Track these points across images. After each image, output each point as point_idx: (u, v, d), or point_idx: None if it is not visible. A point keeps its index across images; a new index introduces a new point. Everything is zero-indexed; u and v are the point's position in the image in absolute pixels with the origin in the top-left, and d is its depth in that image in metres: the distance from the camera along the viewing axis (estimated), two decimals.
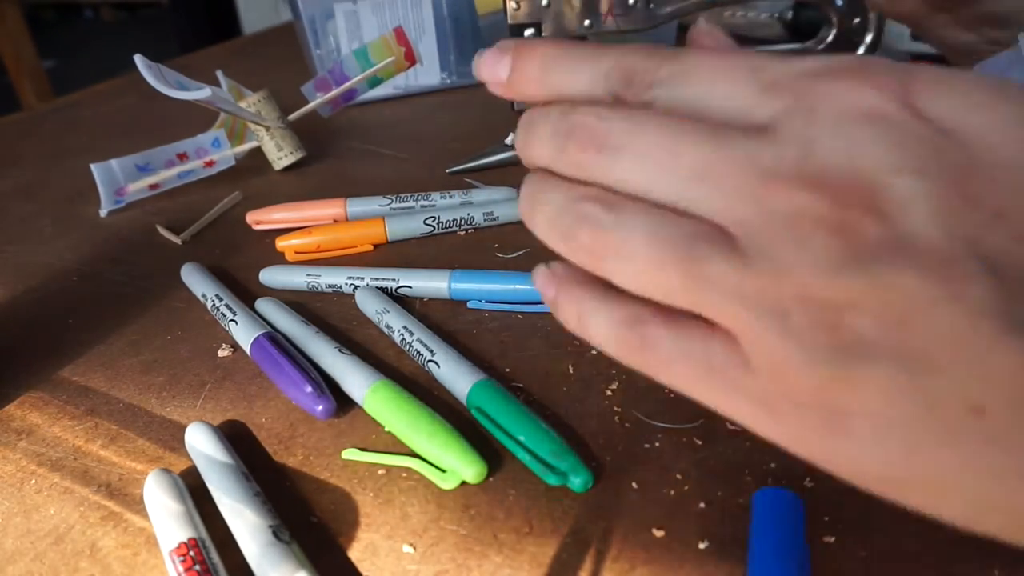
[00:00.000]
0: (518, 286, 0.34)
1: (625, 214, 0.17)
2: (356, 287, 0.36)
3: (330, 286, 0.37)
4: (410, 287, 0.35)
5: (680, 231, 0.16)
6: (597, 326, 0.19)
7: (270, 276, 0.38)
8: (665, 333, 0.18)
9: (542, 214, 0.19)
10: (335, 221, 0.44)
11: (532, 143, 0.19)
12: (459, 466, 0.25)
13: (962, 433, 0.14)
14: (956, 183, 0.14)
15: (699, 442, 0.26)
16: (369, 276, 0.36)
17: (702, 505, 0.24)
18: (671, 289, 0.17)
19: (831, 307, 0.15)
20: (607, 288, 0.19)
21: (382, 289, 0.36)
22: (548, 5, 0.56)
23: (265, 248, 0.42)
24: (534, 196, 0.19)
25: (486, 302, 0.34)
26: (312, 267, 0.38)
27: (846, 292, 0.14)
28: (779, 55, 0.17)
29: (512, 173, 0.48)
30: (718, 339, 0.17)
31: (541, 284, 0.21)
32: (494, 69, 0.20)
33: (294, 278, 0.37)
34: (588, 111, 0.18)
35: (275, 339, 0.32)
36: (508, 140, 0.38)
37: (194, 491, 0.25)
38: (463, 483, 0.25)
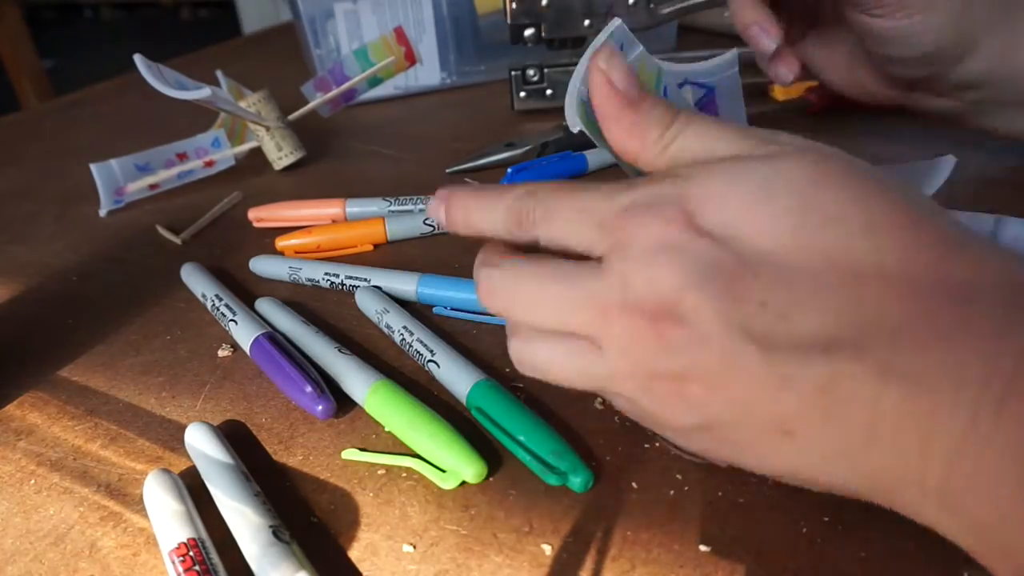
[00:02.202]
0: None
1: (534, 342, 0.24)
2: (332, 283, 0.37)
3: (309, 279, 0.37)
4: (379, 288, 0.35)
5: (570, 346, 0.23)
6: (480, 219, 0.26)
7: (258, 265, 0.39)
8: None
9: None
10: (334, 221, 0.44)
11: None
12: (459, 466, 0.25)
13: (782, 449, 0.20)
14: (728, 287, 0.19)
15: None
16: (344, 273, 0.36)
17: (702, 505, 0.24)
18: (579, 389, 0.24)
19: (671, 378, 0.20)
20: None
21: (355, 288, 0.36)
22: (548, 5, 0.56)
23: (265, 248, 0.42)
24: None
25: (451, 309, 0.34)
26: (295, 260, 0.38)
27: (675, 369, 0.20)
28: (607, 188, 0.22)
29: None
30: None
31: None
32: (437, 213, 0.26)
33: (279, 268, 0.38)
34: (482, 272, 0.24)
35: (275, 339, 0.32)
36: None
37: (194, 491, 0.25)
38: (463, 483, 0.25)
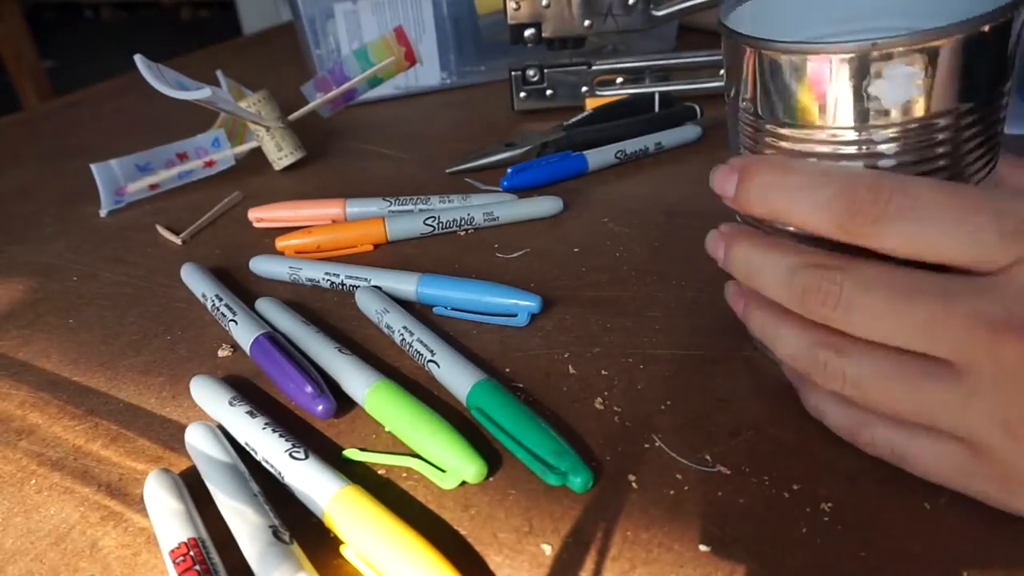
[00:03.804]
0: (483, 297, 0.34)
1: (854, 356, 0.20)
2: (332, 283, 0.37)
3: (309, 279, 0.37)
4: (379, 288, 0.35)
5: (907, 369, 0.19)
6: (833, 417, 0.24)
7: (258, 265, 0.39)
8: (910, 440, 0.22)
9: (783, 348, 0.23)
10: (334, 221, 0.44)
11: (759, 281, 0.22)
12: (459, 466, 0.25)
13: None
14: None
15: (699, 441, 0.26)
16: (344, 273, 0.36)
17: (702, 505, 0.24)
18: (903, 414, 0.21)
19: None
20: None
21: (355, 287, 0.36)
22: (548, 5, 0.56)
23: (265, 248, 0.42)
24: (774, 329, 0.23)
25: (451, 309, 0.34)
26: (295, 260, 0.38)
27: None
28: (1011, 195, 0.19)
29: None
30: (953, 442, 0.21)
31: (733, 300, 0.25)
32: (723, 185, 0.22)
33: (279, 268, 0.38)
34: (816, 275, 0.20)
35: (275, 339, 0.32)
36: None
37: (194, 491, 0.25)
38: (463, 483, 0.25)
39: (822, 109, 0.22)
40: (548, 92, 0.60)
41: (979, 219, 0.18)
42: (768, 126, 0.23)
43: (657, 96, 0.56)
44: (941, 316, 0.18)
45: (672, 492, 0.24)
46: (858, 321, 0.20)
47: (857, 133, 0.22)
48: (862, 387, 0.20)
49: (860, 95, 0.21)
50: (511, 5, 0.56)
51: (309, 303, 0.36)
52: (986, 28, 0.20)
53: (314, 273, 0.37)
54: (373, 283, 0.36)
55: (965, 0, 0.21)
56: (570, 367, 0.30)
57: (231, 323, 0.33)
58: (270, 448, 0.26)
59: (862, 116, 0.21)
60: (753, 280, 0.23)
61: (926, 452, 0.21)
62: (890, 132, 0.21)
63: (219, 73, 0.56)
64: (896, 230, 0.18)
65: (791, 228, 0.23)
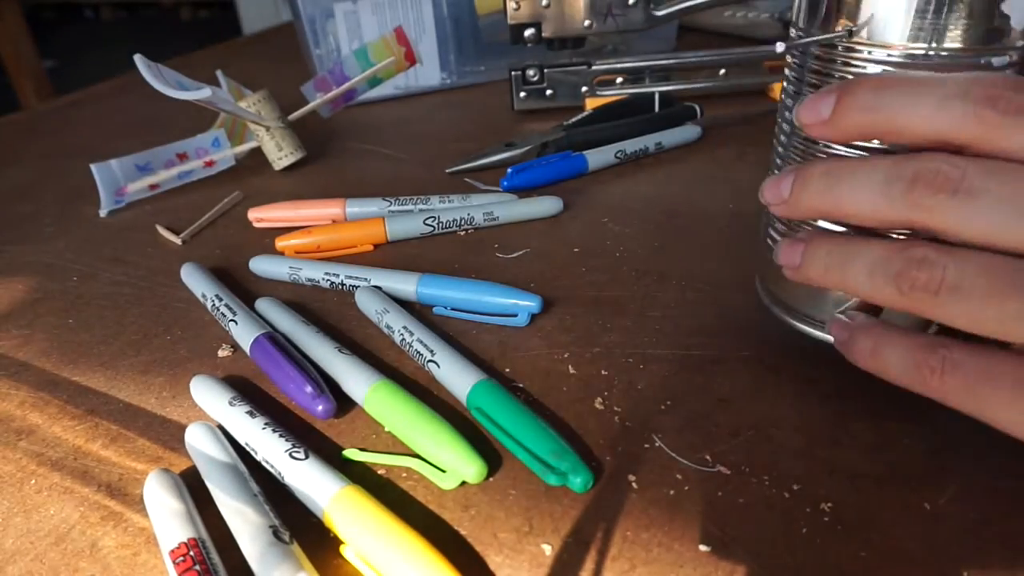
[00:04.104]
0: (483, 297, 0.34)
1: (958, 254, 0.17)
2: (332, 283, 0.37)
3: (309, 279, 0.37)
4: (379, 288, 0.35)
5: (1020, 267, 0.17)
6: (892, 355, 0.20)
7: (258, 265, 0.39)
8: (967, 356, 0.18)
9: (861, 265, 0.19)
10: (334, 221, 0.44)
11: (848, 192, 0.19)
12: (459, 466, 0.25)
13: None
14: None
15: (699, 441, 0.26)
16: (344, 273, 0.36)
17: (702, 505, 0.24)
18: (1012, 320, 0.17)
19: None
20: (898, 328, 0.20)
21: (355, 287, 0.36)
22: (548, 5, 0.56)
23: (265, 248, 0.42)
24: (844, 252, 0.20)
25: (451, 309, 0.34)
26: (295, 260, 0.38)
27: None
28: None
29: None
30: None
31: (837, 331, 0.22)
32: (816, 109, 0.20)
33: (279, 268, 0.38)
34: (934, 157, 0.17)
35: (275, 339, 0.32)
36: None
37: (194, 491, 0.25)
38: (463, 483, 0.25)
39: (948, 24, 0.20)
40: (548, 92, 0.60)
41: None
42: (873, 52, 0.22)
43: (657, 96, 0.56)
44: None
45: (672, 492, 0.24)
46: (979, 210, 0.17)
47: (979, 56, 0.20)
48: (965, 290, 0.17)
49: (991, 13, 0.20)
50: (511, 5, 0.56)
51: (309, 303, 0.36)
52: None
53: (314, 273, 0.37)
54: (373, 283, 0.36)
55: None
56: (570, 367, 0.30)
57: (231, 323, 0.33)
58: (270, 448, 0.26)
59: (989, 37, 0.20)
60: (835, 194, 0.19)
61: (985, 372, 0.18)
62: (1009, 57, 0.20)
63: (219, 73, 0.56)
64: None
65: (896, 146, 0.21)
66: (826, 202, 0.20)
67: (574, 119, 0.53)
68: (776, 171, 0.27)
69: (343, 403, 0.29)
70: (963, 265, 0.17)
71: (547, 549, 0.23)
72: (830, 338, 0.24)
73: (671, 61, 0.59)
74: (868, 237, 0.20)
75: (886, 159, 0.19)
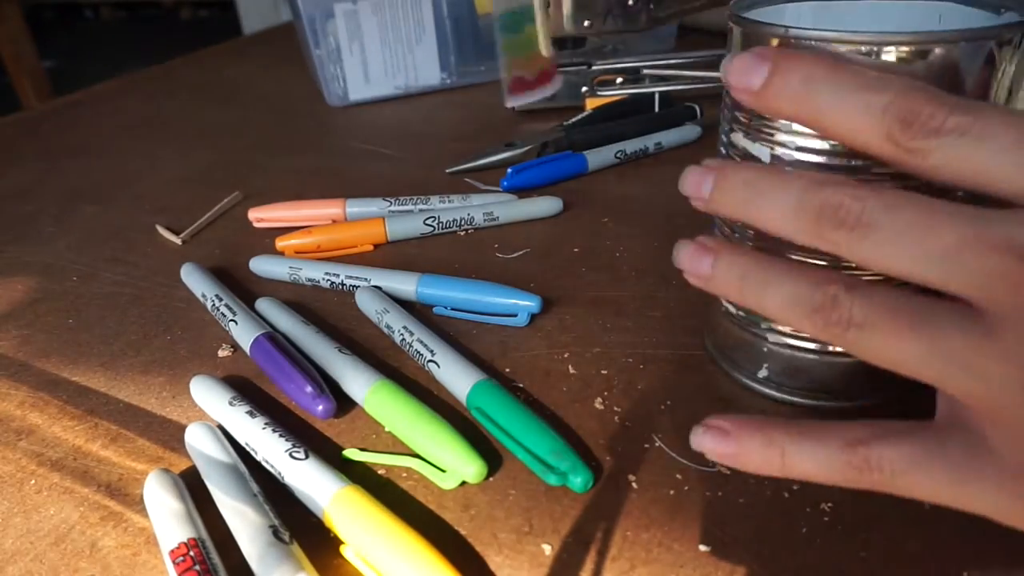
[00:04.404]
0: (483, 297, 0.34)
1: (864, 291, 0.18)
2: (332, 283, 0.37)
3: (309, 279, 0.37)
4: (379, 288, 0.35)
5: (923, 305, 0.17)
6: (809, 462, 0.19)
7: (258, 265, 0.39)
8: (889, 450, 0.18)
9: (775, 295, 0.19)
10: (334, 221, 0.44)
11: (764, 211, 0.19)
12: (459, 466, 0.25)
13: None
14: None
15: None
16: (344, 273, 0.36)
17: (702, 505, 0.24)
18: (912, 359, 0.17)
19: None
20: (810, 429, 0.19)
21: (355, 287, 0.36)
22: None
23: (265, 248, 0.42)
24: (762, 276, 0.19)
25: (451, 309, 0.34)
26: (295, 260, 0.38)
27: None
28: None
29: None
30: (955, 432, 0.18)
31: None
32: (746, 75, 0.19)
33: (279, 268, 0.38)
34: (836, 191, 0.18)
35: (275, 339, 0.32)
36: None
37: (194, 491, 0.25)
38: (463, 483, 0.25)
39: None
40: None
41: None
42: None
43: (657, 96, 0.56)
44: (971, 241, 0.16)
45: (672, 492, 0.24)
46: (876, 243, 0.17)
47: None
48: (868, 328, 0.17)
49: None
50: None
51: (309, 303, 0.36)
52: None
53: (314, 273, 0.37)
54: (373, 283, 0.36)
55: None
56: (570, 367, 0.30)
57: (231, 323, 0.33)
58: (270, 448, 0.26)
59: None
60: (752, 207, 0.19)
61: (930, 443, 0.18)
62: None
63: None
64: (952, 150, 0.16)
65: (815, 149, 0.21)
66: (743, 214, 0.20)
67: (574, 119, 0.53)
68: (723, 148, 0.27)
69: (343, 403, 0.29)
70: (868, 304, 0.18)
71: (547, 549, 0.23)
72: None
73: (671, 61, 0.59)
74: (787, 265, 0.19)
75: (801, 180, 0.18)
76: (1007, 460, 0.17)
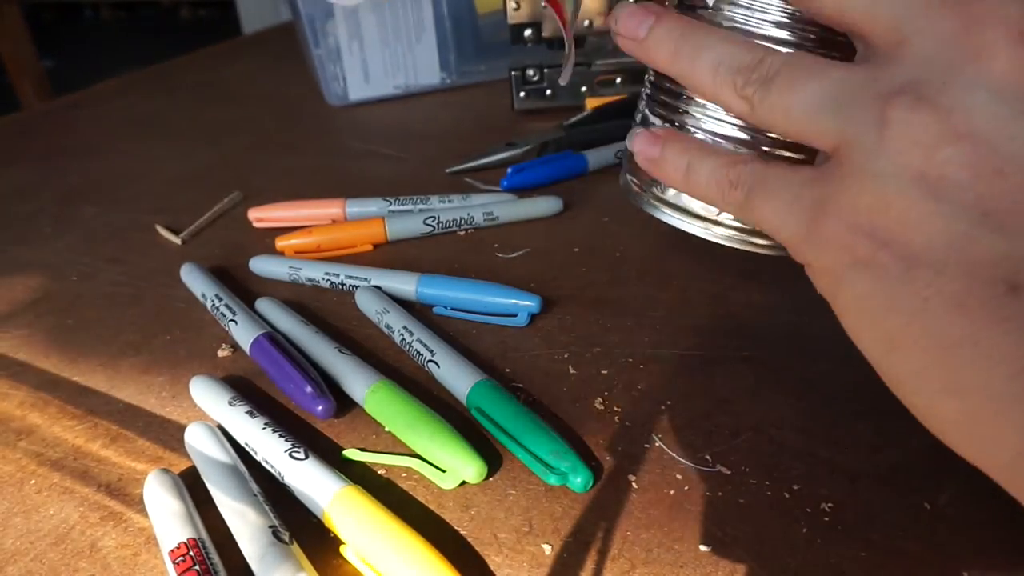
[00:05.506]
0: (483, 297, 0.34)
1: (790, 55, 0.19)
2: (332, 283, 0.37)
3: (309, 279, 0.37)
4: (379, 288, 0.35)
5: (827, 63, 0.18)
6: (700, 173, 0.21)
7: (258, 265, 0.39)
8: (756, 165, 0.20)
9: (710, 57, 0.20)
10: (334, 221, 0.44)
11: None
12: (459, 466, 0.25)
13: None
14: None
15: (699, 441, 0.26)
16: (344, 273, 0.36)
17: (702, 505, 0.24)
18: (811, 104, 0.18)
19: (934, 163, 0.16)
20: (717, 148, 0.21)
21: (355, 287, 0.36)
22: (547, 6, 0.56)
23: (265, 248, 0.42)
24: (698, 44, 0.20)
25: (451, 309, 0.34)
26: (295, 260, 0.38)
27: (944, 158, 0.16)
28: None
29: None
30: (816, 178, 0.19)
31: (643, 144, 0.23)
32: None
33: (279, 268, 0.38)
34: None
35: (275, 339, 0.32)
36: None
37: (194, 491, 0.25)
38: (463, 483, 0.25)
39: None
40: (548, 92, 0.60)
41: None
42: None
43: None
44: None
45: (672, 492, 0.24)
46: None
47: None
48: (780, 79, 0.19)
49: None
50: (511, 5, 0.56)
51: (309, 303, 0.36)
52: None
53: (314, 273, 0.37)
54: (373, 283, 0.36)
55: None
56: (570, 367, 0.30)
57: (231, 323, 0.33)
58: (270, 448, 0.26)
59: None
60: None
61: (791, 176, 0.19)
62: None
63: None
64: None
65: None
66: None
67: (574, 119, 0.53)
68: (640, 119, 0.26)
69: (343, 403, 0.29)
70: (787, 66, 0.19)
71: (547, 549, 0.23)
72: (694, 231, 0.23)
73: None
74: (725, 32, 0.20)
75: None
76: (828, 205, 0.18)
